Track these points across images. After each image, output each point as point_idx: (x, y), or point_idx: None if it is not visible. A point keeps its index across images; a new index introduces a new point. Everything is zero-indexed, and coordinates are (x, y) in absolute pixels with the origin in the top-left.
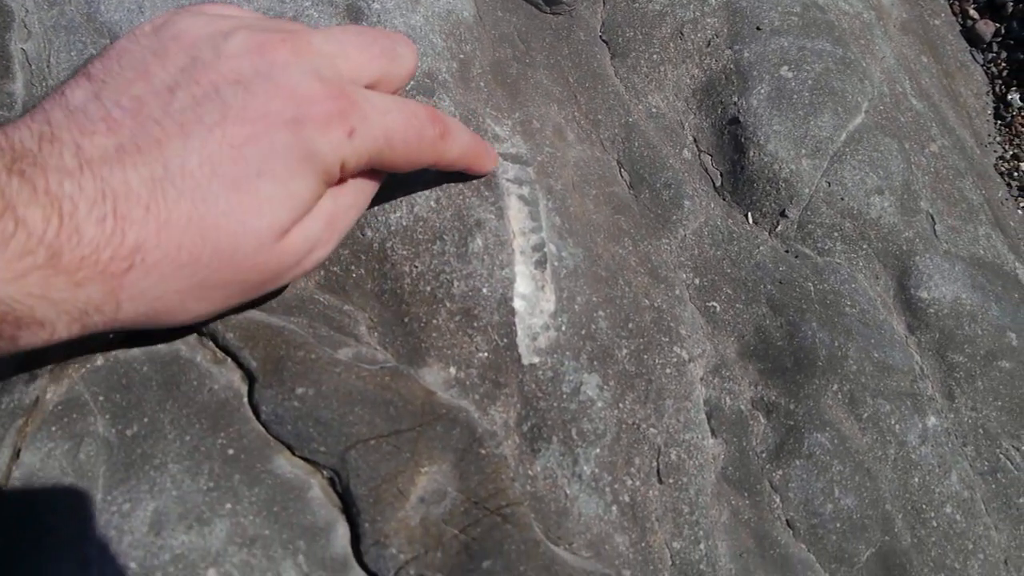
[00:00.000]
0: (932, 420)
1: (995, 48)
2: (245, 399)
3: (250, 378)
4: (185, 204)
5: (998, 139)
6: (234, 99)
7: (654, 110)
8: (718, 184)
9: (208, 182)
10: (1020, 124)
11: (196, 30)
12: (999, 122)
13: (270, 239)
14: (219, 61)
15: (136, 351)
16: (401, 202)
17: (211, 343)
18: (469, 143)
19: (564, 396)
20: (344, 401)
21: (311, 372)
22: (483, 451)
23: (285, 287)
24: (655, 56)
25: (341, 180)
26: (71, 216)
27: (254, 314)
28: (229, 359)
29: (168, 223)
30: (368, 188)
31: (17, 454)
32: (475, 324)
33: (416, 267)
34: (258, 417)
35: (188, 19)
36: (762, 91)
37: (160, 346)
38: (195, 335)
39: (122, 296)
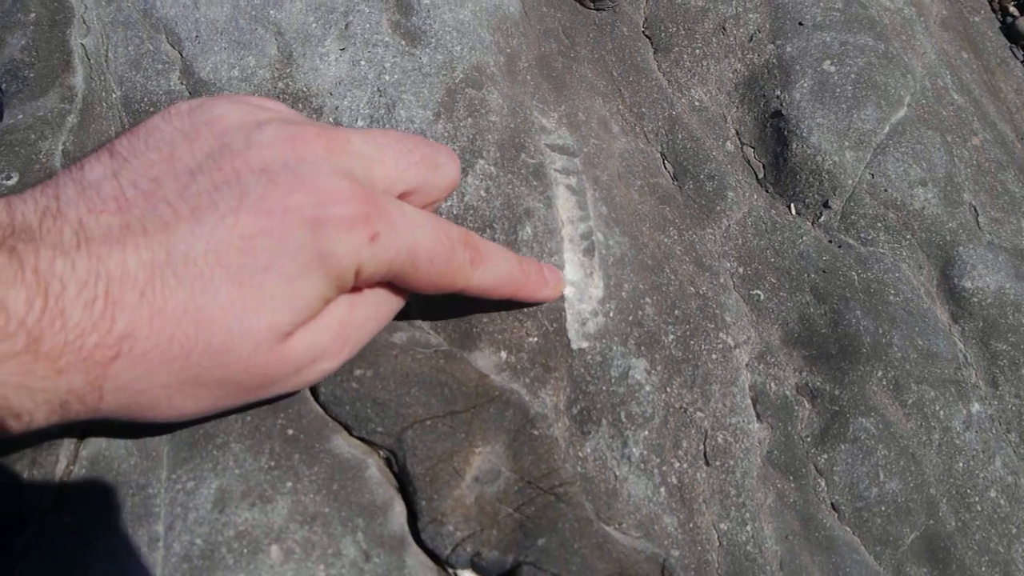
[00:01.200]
0: (976, 407)
1: None
2: None
3: None
4: (183, 293)
5: None
6: (255, 188)
7: (697, 104)
8: (761, 176)
9: (211, 272)
10: None
11: (232, 117)
12: None
13: (268, 341)
14: (248, 150)
15: None
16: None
17: None
18: (509, 273)
19: (613, 380)
20: (401, 382)
21: (368, 354)
22: (535, 432)
23: (290, 395)
24: (697, 51)
25: (356, 288)
26: (58, 298)
27: None
28: None
29: (162, 312)
30: (390, 302)
31: (84, 434)
32: (525, 310)
33: None
34: (316, 398)
35: (226, 105)
36: (805, 85)
37: None
38: None
39: (106, 386)
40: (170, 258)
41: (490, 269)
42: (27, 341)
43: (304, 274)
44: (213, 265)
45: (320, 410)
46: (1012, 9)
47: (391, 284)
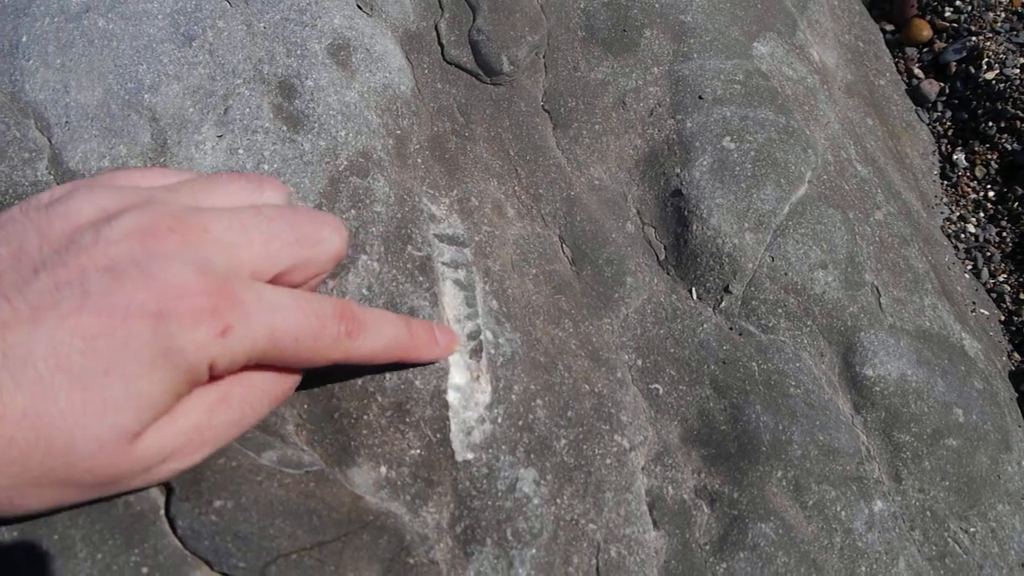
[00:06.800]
0: (879, 504)
1: (940, 107)
2: (162, 511)
3: (167, 489)
4: (21, 399)
5: (944, 200)
6: (97, 287)
7: (596, 182)
8: (662, 258)
9: (51, 377)
10: (966, 184)
11: (86, 209)
12: (945, 182)
13: (113, 442)
14: (95, 246)
15: None
16: (332, 290)
17: None
18: (395, 337)
19: (499, 494)
20: (264, 513)
21: (230, 482)
22: (411, 561)
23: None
24: (597, 126)
25: (216, 377)
26: None
27: None
28: None
29: (1, 417)
30: (259, 402)
31: None
32: (407, 419)
33: None
34: (175, 531)
35: (84, 195)
36: (704, 163)
37: None
38: None
39: None
40: (7, 361)
41: (372, 337)
42: None
43: (148, 373)
44: (53, 369)
45: (179, 544)
46: (917, 71)
47: (265, 371)
